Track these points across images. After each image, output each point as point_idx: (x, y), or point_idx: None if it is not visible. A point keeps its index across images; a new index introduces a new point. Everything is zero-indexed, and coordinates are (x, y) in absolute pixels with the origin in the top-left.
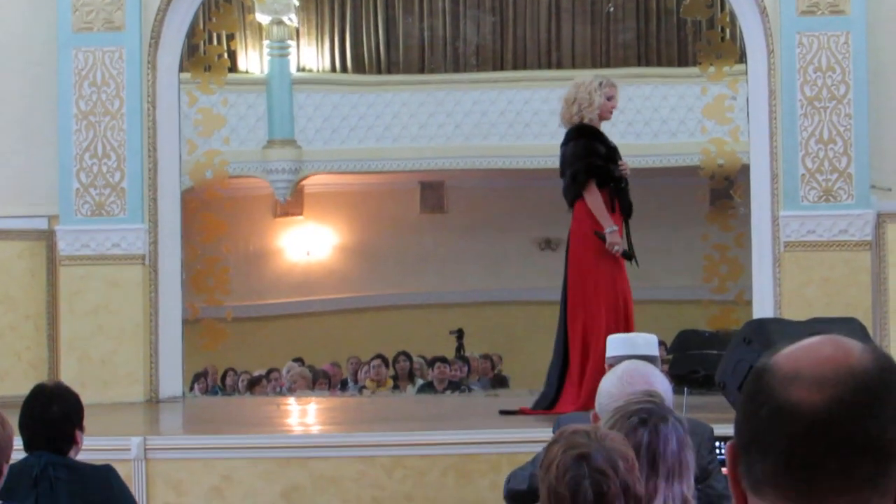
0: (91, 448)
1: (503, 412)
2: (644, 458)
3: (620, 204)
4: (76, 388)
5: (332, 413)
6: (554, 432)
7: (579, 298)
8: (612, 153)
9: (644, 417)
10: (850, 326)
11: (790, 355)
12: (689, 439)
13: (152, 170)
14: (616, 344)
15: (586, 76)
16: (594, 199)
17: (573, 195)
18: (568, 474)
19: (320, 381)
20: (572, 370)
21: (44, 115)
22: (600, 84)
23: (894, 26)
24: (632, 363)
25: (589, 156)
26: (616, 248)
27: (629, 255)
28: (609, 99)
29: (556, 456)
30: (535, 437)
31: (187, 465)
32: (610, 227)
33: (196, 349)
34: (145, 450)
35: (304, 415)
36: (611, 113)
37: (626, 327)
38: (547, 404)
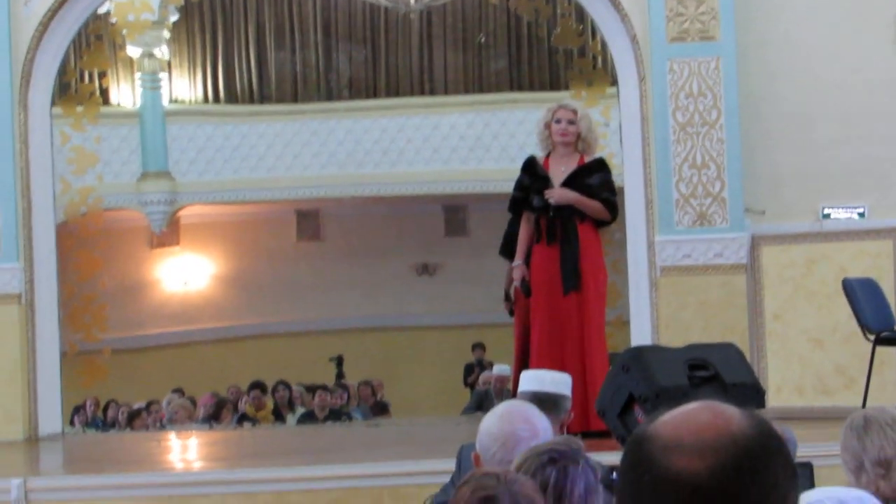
0: None
1: None
2: (550, 498)
3: (546, 232)
4: None
5: (212, 448)
6: (457, 461)
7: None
8: (539, 182)
9: (554, 457)
10: (727, 351)
11: (669, 423)
12: (600, 488)
13: (26, 209)
14: (526, 379)
15: None
16: (521, 230)
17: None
18: None
19: (199, 411)
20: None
21: None
22: (546, 114)
23: (763, 51)
24: (513, 403)
25: (514, 189)
26: (514, 282)
27: (526, 289)
28: (558, 122)
29: (465, 496)
30: (415, 469)
31: None
32: (515, 262)
33: (75, 385)
34: (26, 491)
35: (185, 450)
36: (562, 135)
37: (524, 362)
38: None
